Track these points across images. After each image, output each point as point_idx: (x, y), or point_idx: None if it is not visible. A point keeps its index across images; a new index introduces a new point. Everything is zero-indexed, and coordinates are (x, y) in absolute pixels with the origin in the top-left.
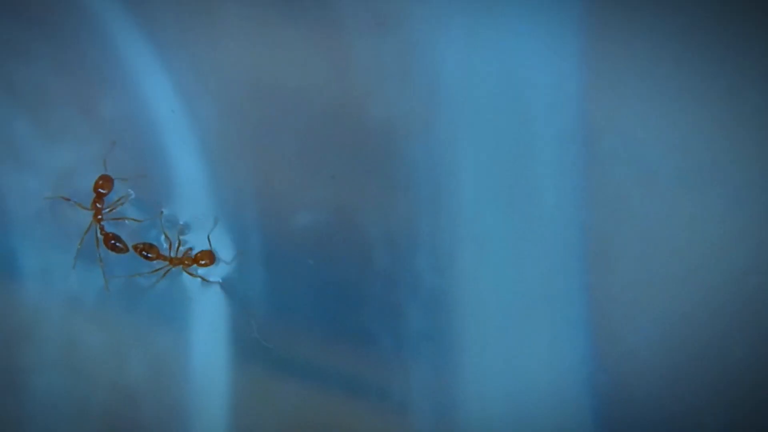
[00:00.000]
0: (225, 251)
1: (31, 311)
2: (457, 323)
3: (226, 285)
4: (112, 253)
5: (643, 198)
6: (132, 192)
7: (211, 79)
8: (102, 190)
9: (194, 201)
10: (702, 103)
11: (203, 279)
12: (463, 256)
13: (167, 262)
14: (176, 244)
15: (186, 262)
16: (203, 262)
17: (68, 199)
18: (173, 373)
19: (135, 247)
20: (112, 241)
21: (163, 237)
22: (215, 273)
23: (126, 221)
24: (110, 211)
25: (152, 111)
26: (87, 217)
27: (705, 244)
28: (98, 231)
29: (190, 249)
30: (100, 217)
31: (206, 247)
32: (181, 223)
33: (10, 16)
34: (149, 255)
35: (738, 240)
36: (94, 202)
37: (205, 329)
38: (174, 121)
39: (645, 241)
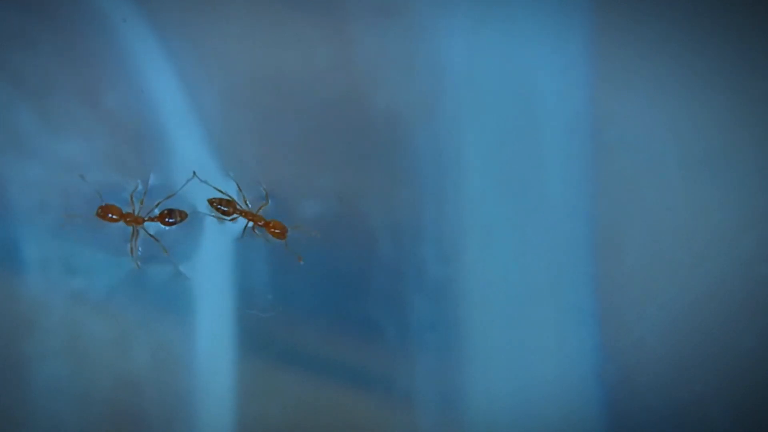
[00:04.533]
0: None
1: (34, 300)
2: (462, 313)
3: (233, 274)
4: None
5: (649, 187)
6: (140, 183)
7: (215, 68)
8: (114, 216)
9: (198, 190)
10: (709, 92)
11: (267, 239)
12: (468, 245)
13: (241, 216)
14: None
15: (259, 223)
16: (276, 231)
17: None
18: (177, 363)
19: (211, 202)
20: (168, 218)
21: (217, 194)
22: None
23: (159, 206)
24: (147, 213)
25: (156, 101)
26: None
27: (712, 234)
28: (146, 227)
29: (262, 205)
30: (141, 218)
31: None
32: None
33: (16, 7)
34: (226, 209)
35: (746, 229)
36: (127, 222)
37: (209, 319)
38: (179, 110)
39: (652, 230)
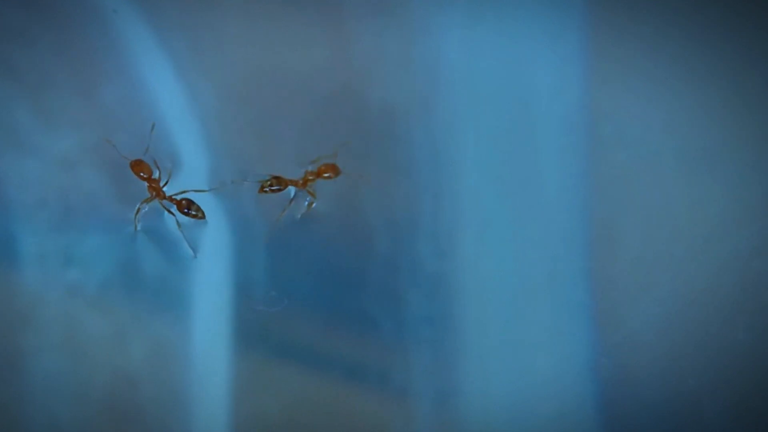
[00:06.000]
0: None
1: (30, 295)
2: (458, 308)
3: (229, 269)
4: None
5: (645, 182)
6: (170, 166)
7: (213, 63)
8: (144, 174)
9: (195, 185)
10: (705, 88)
11: (309, 207)
12: (464, 240)
13: (295, 186)
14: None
15: (310, 178)
16: (327, 175)
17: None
18: (174, 358)
19: (261, 188)
20: (186, 209)
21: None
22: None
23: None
24: (172, 194)
25: (154, 97)
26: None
27: (707, 229)
28: (165, 204)
29: (312, 162)
30: (163, 193)
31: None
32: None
33: (13, 4)
34: (279, 187)
35: (741, 224)
36: (150, 187)
37: (206, 313)
38: (176, 107)
39: (647, 225)
